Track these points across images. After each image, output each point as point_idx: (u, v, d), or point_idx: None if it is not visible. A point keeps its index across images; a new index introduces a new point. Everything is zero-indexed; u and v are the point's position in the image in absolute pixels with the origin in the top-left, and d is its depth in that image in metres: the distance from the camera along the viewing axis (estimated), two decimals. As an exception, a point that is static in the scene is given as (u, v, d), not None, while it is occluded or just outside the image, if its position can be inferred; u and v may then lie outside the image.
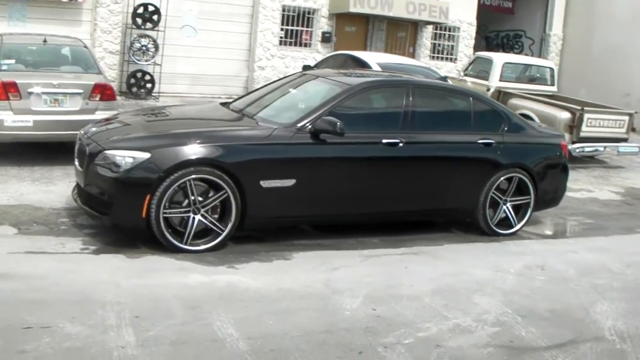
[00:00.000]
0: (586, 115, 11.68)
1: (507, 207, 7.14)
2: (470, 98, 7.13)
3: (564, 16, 20.59)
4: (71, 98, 7.91)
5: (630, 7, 18.39)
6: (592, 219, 8.50)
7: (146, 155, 5.50)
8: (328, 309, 4.72)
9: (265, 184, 5.81)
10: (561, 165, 7.57)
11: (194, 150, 5.59)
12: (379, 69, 11.53)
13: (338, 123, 5.88)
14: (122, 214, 5.58)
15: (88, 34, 13.25)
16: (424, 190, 6.69)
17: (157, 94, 13.74)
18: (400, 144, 6.40)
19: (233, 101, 7.34)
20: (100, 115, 7.95)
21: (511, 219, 7.18)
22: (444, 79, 9.86)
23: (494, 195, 7.00)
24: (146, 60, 13.64)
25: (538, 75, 14.66)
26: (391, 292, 5.16)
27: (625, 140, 12.34)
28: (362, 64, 12.29)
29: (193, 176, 5.55)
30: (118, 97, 8.37)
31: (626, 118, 12.28)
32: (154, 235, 5.55)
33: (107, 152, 5.63)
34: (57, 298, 4.43)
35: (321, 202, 6.20)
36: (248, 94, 7.62)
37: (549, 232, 7.80)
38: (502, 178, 7.01)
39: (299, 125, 6.03)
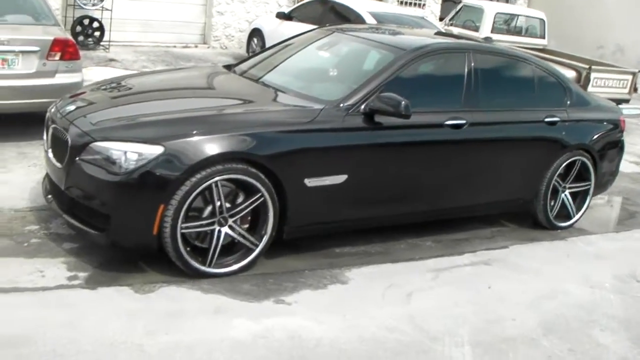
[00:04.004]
0: (593, 75, 10.69)
1: (566, 195, 6.05)
2: (533, 65, 5.86)
3: (535, -39, 19.47)
4: (24, 57, 6.13)
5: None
6: (632, 199, 7.55)
7: (158, 150, 3.99)
8: (439, 372, 3.48)
9: (310, 182, 4.42)
10: (620, 144, 6.51)
11: (220, 142, 4.12)
12: (373, 20, 10.14)
13: (402, 102, 4.51)
14: (124, 231, 4.06)
15: (22, -29, 11.07)
16: (487, 180, 5.47)
17: (106, 43, 11.81)
18: (465, 125, 5.12)
19: (238, 63, 5.82)
20: (61, 79, 6.31)
21: (570, 209, 6.10)
22: (489, 39, 8.51)
23: (555, 183, 5.89)
24: (94, 5, 11.62)
25: (528, 27, 13.55)
26: (497, 333, 3.96)
27: (627, 101, 11.44)
28: (349, 14, 10.85)
29: (221, 176, 4.11)
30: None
31: (629, 77, 11.35)
32: (166, 253, 4.13)
33: (98, 144, 4.09)
34: (62, 382, 2.99)
35: (373, 201, 4.87)
36: (257, 54, 6.08)
37: (600, 221, 6.74)
38: (565, 162, 5.88)
39: (348, 103, 4.63)
